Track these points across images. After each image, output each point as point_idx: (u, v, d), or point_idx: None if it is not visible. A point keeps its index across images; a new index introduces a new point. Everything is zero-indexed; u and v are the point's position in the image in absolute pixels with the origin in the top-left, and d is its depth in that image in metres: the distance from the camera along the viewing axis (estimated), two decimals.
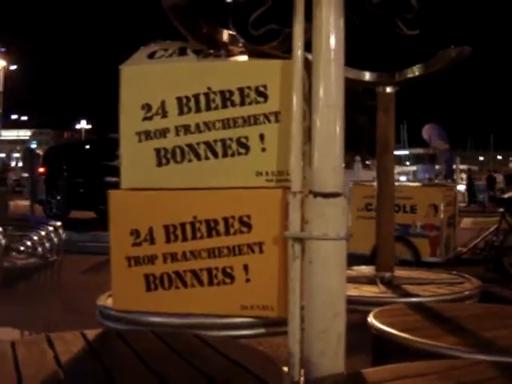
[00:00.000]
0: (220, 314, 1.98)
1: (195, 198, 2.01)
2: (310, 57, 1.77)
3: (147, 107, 1.98)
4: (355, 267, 3.38)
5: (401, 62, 2.89)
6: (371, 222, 3.34)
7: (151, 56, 2.05)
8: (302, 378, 1.72)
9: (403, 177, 28.90)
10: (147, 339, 1.74)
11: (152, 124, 1.98)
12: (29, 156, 15.14)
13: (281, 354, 1.64)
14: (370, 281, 2.93)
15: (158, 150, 1.99)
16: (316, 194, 1.69)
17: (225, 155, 1.95)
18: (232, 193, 1.97)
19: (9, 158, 76.50)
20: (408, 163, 41.23)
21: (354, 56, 2.29)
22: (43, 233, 5.48)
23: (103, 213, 14.55)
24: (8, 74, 57.83)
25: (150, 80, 2.04)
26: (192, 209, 2.00)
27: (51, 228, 5.55)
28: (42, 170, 15.34)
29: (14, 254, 5.21)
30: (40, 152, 18.40)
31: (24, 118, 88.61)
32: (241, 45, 2.07)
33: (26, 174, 17.24)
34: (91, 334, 1.78)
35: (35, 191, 14.24)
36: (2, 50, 57.86)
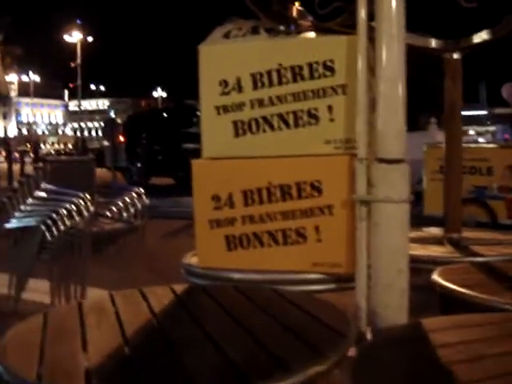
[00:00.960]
0: (294, 271, 2.17)
1: (270, 165, 2.19)
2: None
3: (224, 83, 2.17)
4: (425, 228, 3.48)
5: (465, 29, 2.94)
6: None
7: (227, 36, 2.23)
8: (369, 329, 1.89)
9: (481, 138, 28.14)
10: (229, 293, 1.95)
11: (229, 99, 2.17)
12: (109, 125, 15.73)
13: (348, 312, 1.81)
14: (437, 241, 3.03)
15: (235, 123, 2.18)
16: (380, 160, 1.84)
17: (296, 126, 2.12)
18: (303, 160, 2.14)
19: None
20: (488, 123, 40.06)
21: (419, 24, 2.38)
22: (127, 199, 5.81)
23: (181, 179, 15.01)
24: (85, 46, 59.31)
25: (226, 58, 2.22)
26: (267, 175, 2.18)
27: (135, 194, 5.88)
28: (122, 138, 15.89)
29: (101, 219, 5.55)
30: (119, 121, 18.97)
31: (102, 87, 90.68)
32: (309, 20, 2.22)
33: (106, 143, 17.90)
34: (179, 288, 2.00)
35: (116, 159, 14.81)
36: (79, 22, 59.32)
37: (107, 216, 5.56)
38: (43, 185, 5.10)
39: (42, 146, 48.04)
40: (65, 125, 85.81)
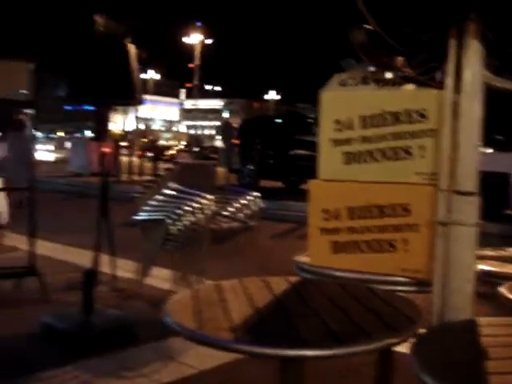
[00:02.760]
0: (386, 273, 2.72)
1: (371, 188, 2.74)
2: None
3: (338, 122, 2.76)
4: (509, 248, 3.91)
5: None
6: None
7: (342, 84, 2.83)
8: (438, 322, 2.41)
9: None
10: (331, 286, 2.53)
11: (341, 134, 2.76)
12: (225, 128, 16.62)
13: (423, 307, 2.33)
14: None
15: (345, 153, 2.76)
16: (457, 192, 2.36)
17: (393, 159, 2.67)
18: (397, 186, 2.68)
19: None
20: None
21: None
22: (243, 201, 6.48)
23: (290, 183, 15.54)
24: (203, 47, 61.34)
25: (341, 102, 2.81)
26: (368, 196, 2.74)
27: (251, 197, 6.54)
28: (237, 141, 16.70)
29: (219, 218, 6.23)
30: (235, 124, 19.83)
31: (217, 88, 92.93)
32: (409, 71, 2.77)
33: (222, 145, 18.79)
34: (293, 279, 2.61)
35: (230, 161, 15.63)
36: (199, 24, 61.47)
37: (225, 215, 6.23)
38: (171, 184, 5.81)
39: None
40: (179, 122, 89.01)
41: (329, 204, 2.80)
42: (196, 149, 37.09)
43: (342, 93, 2.83)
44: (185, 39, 60.94)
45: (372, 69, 2.87)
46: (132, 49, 4.72)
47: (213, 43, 63.42)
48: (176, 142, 62.30)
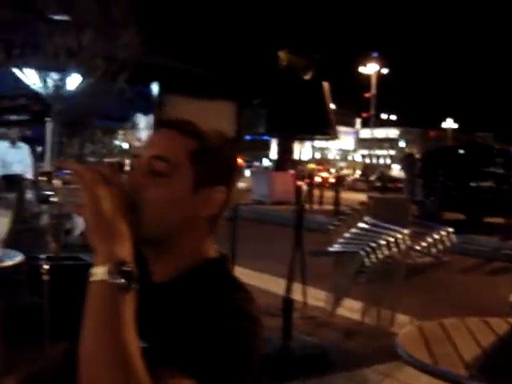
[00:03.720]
0: None
1: None
2: None
3: None
4: None
5: None
6: None
7: None
8: None
9: None
10: None
11: None
12: (408, 160, 16.51)
13: None
14: None
15: None
16: None
17: None
18: None
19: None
20: None
21: None
22: (436, 235, 6.44)
23: (473, 216, 15.08)
24: (379, 77, 61.20)
25: None
26: None
27: (443, 232, 6.49)
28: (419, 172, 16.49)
29: (412, 252, 6.24)
30: (417, 156, 19.57)
31: (393, 117, 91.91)
32: None
33: (404, 176, 18.62)
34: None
35: (413, 192, 15.46)
36: (375, 54, 61.44)
37: (418, 250, 6.24)
38: (367, 218, 5.95)
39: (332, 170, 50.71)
40: (355, 151, 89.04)
41: None
42: (372, 178, 36.93)
43: None
44: (361, 69, 61.15)
45: None
46: (326, 86, 4.99)
47: (388, 72, 63.06)
48: (351, 171, 62.46)
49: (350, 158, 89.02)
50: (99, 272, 1.02)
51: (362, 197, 9.67)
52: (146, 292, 1.09)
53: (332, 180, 29.17)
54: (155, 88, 5.60)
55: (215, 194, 1.27)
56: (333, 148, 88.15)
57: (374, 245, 5.49)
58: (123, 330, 0.98)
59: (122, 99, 6.04)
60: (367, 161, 77.20)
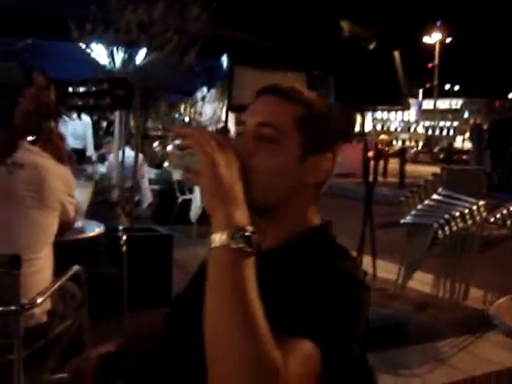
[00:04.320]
0: None
1: None
2: None
3: None
4: None
5: None
6: None
7: None
8: None
9: None
10: None
11: None
12: (476, 131, 16.10)
13: None
14: None
15: None
16: None
17: None
18: None
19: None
20: None
21: None
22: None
23: None
24: (443, 47, 59.63)
25: None
26: None
27: None
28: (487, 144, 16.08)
29: (487, 224, 6.04)
30: (485, 127, 19.09)
31: (456, 87, 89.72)
32: None
33: (471, 147, 18.21)
34: None
35: (482, 164, 15.11)
36: (439, 23, 59.81)
37: (493, 221, 6.05)
38: (440, 189, 5.81)
39: (393, 142, 49.95)
40: (417, 122, 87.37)
41: None
42: (435, 150, 36.23)
43: None
44: (425, 39, 59.69)
45: None
46: (397, 56, 4.89)
47: (453, 42, 61.38)
48: (413, 143, 61.39)
49: (412, 129, 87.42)
50: (219, 238, 1.00)
51: (427, 169, 9.44)
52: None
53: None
54: (224, 60, 5.59)
55: (322, 161, 1.24)
56: (394, 120, 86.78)
57: (448, 217, 5.37)
58: (248, 293, 0.97)
59: (191, 73, 6.06)
60: (430, 132, 75.70)
